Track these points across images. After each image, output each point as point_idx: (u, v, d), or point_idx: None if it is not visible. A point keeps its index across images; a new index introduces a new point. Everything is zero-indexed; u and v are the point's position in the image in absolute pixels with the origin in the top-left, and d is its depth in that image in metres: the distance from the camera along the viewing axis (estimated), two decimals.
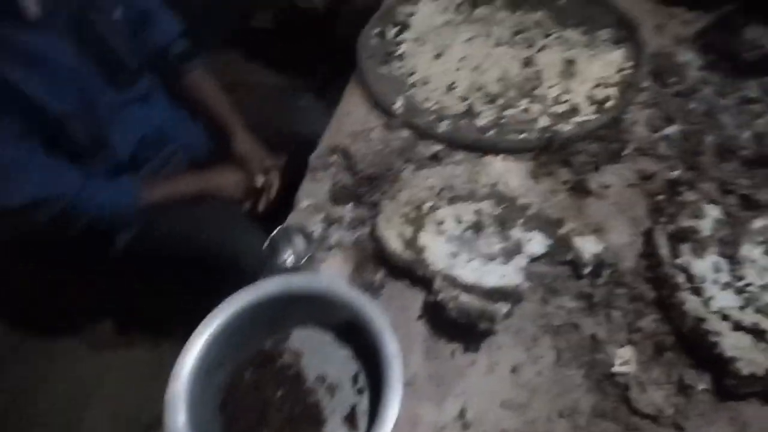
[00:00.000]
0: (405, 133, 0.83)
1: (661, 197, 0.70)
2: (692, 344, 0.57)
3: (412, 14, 1.04)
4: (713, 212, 0.65)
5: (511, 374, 0.57)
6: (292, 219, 0.73)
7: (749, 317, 0.57)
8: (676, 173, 0.72)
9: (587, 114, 0.82)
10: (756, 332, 0.56)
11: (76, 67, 0.80)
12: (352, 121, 0.86)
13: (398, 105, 0.86)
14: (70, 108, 0.79)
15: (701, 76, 0.85)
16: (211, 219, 0.87)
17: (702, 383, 0.54)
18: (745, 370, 0.52)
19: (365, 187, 0.74)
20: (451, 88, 0.88)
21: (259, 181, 0.90)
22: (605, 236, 0.67)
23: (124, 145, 0.89)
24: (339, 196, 0.75)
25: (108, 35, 0.85)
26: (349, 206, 0.74)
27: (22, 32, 0.73)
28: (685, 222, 0.64)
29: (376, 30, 1.02)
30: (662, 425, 0.52)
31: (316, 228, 0.71)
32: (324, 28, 1.36)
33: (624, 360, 0.57)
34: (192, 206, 0.88)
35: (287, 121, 1.00)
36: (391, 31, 1.01)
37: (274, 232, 0.63)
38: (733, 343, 0.55)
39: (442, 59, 0.94)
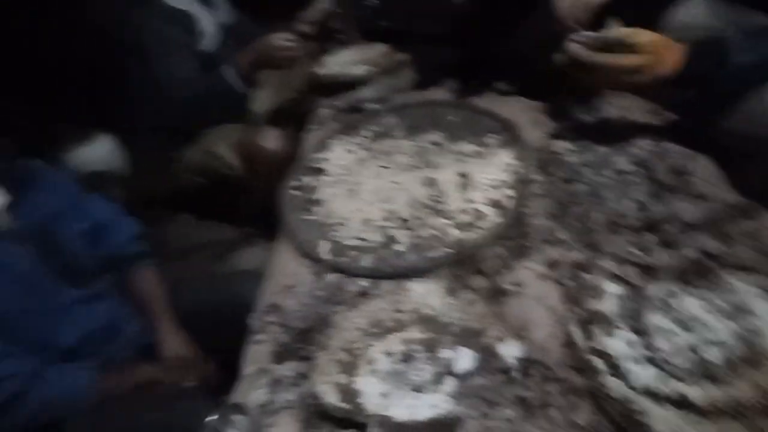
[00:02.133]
0: (333, 276, 0.88)
1: (569, 282, 0.75)
2: (628, 429, 0.59)
3: (324, 159, 1.16)
4: (614, 288, 0.71)
5: None
6: (237, 389, 0.75)
7: (671, 386, 0.59)
8: (576, 256, 0.79)
9: (491, 218, 0.90)
10: (680, 403, 0.58)
11: (31, 271, 0.89)
12: (284, 275, 0.91)
13: (322, 249, 0.93)
14: (18, 307, 0.87)
15: (578, 160, 0.95)
16: (155, 405, 0.90)
17: None
18: None
19: (302, 342, 0.78)
20: (368, 222, 0.96)
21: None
22: (528, 334, 0.71)
23: (70, 339, 0.94)
24: (280, 356, 0.78)
25: (67, 244, 0.96)
26: (292, 364, 0.76)
27: None
28: (592, 304, 0.69)
29: (295, 182, 1.12)
30: None
31: (260, 394, 0.73)
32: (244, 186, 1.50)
33: None
34: (139, 394, 0.90)
35: (227, 285, 1.07)
36: (308, 179, 1.12)
37: (209, 418, 0.65)
38: (662, 420, 0.57)
39: (356, 197, 1.03)
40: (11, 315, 0.86)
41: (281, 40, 1.27)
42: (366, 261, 0.89)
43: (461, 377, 0.66)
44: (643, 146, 0.94)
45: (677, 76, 0.80)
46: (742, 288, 0.67)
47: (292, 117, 1.47)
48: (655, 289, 0.69)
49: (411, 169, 1.05)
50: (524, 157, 0.99)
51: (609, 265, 0.75)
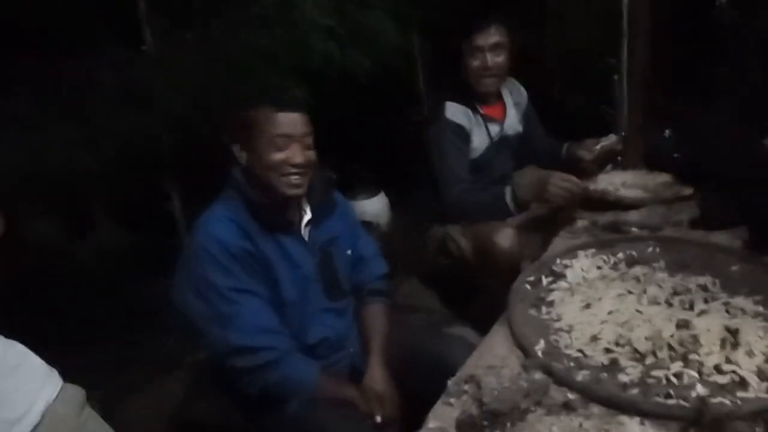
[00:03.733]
0: (539, 375, 0.85)
1: None
2: None
3: (567, 266, 1.15)
4: None
5: None
6: None
7: None
8: None
9: (756, 390, 0.73)
10: None
11: (311, 276, 1.15)
12: (492, 356, 0.93)
13: (539, 347, 0.91)
14: (294, 297, 1.11)
15: None
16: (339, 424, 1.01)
17: None
18: None
19: (489, 422, 0.77)
20: (595, 339, 0.90)
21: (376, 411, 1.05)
22: None
23: (314, 337, 1.14)
24: (463, 426, 0.79)
25: (338, 264, 1.20)
26: None
27: (290, 241, 1.12)
28: None
29: (531, 278, 1.14)
30: None
31: None
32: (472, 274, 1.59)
33: None
34: (337, 408, 1.03)
35: (439, 344, 1.14)
36: (545, 280, 1.12)
37: None
38: None
39: (591, 310, 0.98)
40: (288, 303, 1.11)
41: (561, 180, 1.36)
42: (581, 376, 0.83)
43: None
44: None
45: None
46: None
47: (549, 222, 1.51)
48: None
49: (662, 305, 0.95)
50: None
51: None
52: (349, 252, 1.23)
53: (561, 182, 1.33)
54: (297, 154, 1.07)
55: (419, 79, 2.91)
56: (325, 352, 1.13)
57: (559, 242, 1.29)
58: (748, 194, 1.21)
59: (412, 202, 2.14)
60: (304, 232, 1.17)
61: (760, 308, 0.89)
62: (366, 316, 1.22)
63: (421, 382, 0.93)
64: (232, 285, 1.03)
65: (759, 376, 0.75)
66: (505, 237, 1.46)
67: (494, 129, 1.69)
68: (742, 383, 0.74)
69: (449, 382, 0.89)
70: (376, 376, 1.12)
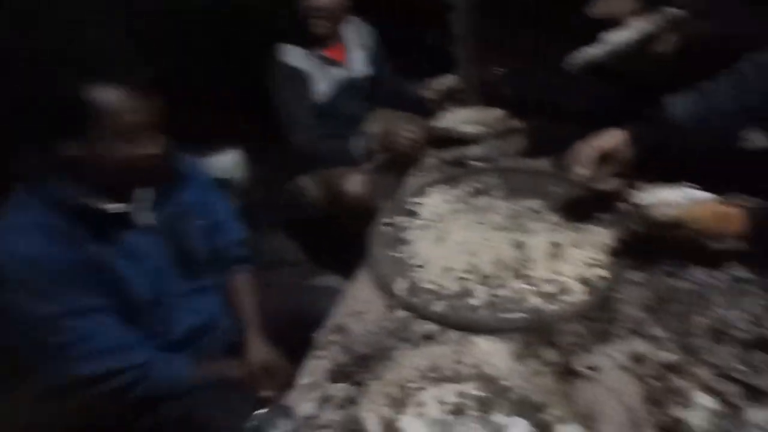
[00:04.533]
0: (403, 313, 0.89)
1: (653, 382, 0.68)
2: None
3: (420, 204, 1.19)
4: (708, 402, 0.62)
5: None
6: (289, 396, 0.77)
7: None
8: (669, 356, 0.71)
9: (577, 294, 0.85)
10: None
11: (161, 261, 0.97)
12: (357, 302, 0.94)
13: (399, 286, 0.94)
14: (148, 294, 0.94)
15: None
16: (218, 402, 0.93)
17: None
18: None
19: (359, 367, 0.78)
20: (448, 270, 0.96)
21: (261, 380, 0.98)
22: (595, 424, 0.64)
23: (180, 328, 1.01)
24: (335, 375, 0.79)
25: (190, 239, 1.04)
26: (343, 385, 0.77)
27: (130, 234, 0.93)
28: (676, 412, 0.62)
29: (388, 219, 1.16)
30: None
31: (308, 407, 0.74)
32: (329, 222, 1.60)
33: None
34: (222, 391, 0.94)
35: (304, 301, 1.11)
36: (401, 220, 1.15)
37: (258, 412, 0.67)
38: None
39: (443, 244, 1.04)
40: (142, 302, 0.94)
41: (406, 131, 1.43)
42: (438, 306, 0.88)
43: None
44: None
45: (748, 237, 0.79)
46: None
47: (400, 164, 1.54)
48: (757, 415, 0.60)
49: (503, 230, 1.04)
50: (627, 240, 0.94)
51: (705, 374, 0.67)
52: (201, 222, 1.08)
53: (405, 132, 1.37)
54: (147, 143, 0.88)
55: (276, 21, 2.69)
56: (195, 339, 1.01)
57: (411, 181, 1.33)
58: (566, 123, 1.37)
59: (270, 154, 2.02)
60: (147, 216, 0.97)
61: (578, 224, 1.02)
62: (233, 288, 1.12)
63: (298, 340, 0.90)
64: (60, 310, 0.84)
65: (580, 282, 0.87)
66: (354, 183, 1.47)
67: (337, 72, 1.63)
68: (567, 290, 0.86)
69: (317, 335, 0.88)
70: (255, 348, 1.05)
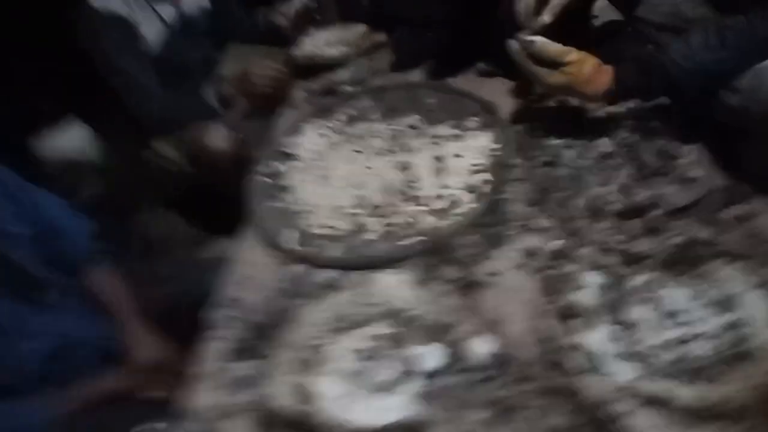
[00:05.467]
0: (298, 267, 0.82)
1: (548, 272, 0.70)
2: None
3: (296, 144, 1.09)
4: (596, 279, 0.66)
5: None
6: (192, 389, 0.69)
7: (656, 386, 0.55)
8: (557, 243, 0.73)
9: (467, 204, 0.84)
10: (667, 402, 0.53)
11: None
12: (247, 266, 0.85)
13: (288, 238, 0.87)
14: None
15: (559, 142, 0.90)
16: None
17: None
18: None
19: (261, 338, 0.72)
20: (337, 209, 0.90)
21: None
22: (503, 329, 0.65)
23: (34, 357, 0.84)
24: (239, 354, 0.72)
25: (12, 250, 0.84)
26: (251, 363, 0.71)
27: None
28: (571, 296, 0.64)
29: (264, 167, 1.05)
30: None
31: (217, 394, 0.67)
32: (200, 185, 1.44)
33: None
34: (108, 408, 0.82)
35: (187, 281, 0.99)
36: (277, 165, 1.05)
37: (157, 425, 0.59)
38: (647, 422, 0.52)
39: (328, 183, 0.97)
40: None
41: (265, 69, 1.26)
42: (334, 250, 0.83)
43: (430, 376, 0.61)
44: (627, 127, 0.88)
45: (614, 93, 0.82)
46: (732, 278, 0.62)
47: (266, 105, 1.39)
48: (639, 280, 0.64)
49: (385, 154, 0.99)
50: (503, 140, 0.94)
51: (590, 253, 0.70)
52: (25, 230, 0.88)
53: (263, 71, 1.21)
54: None
55: None
56: (60, 366, 0.85)
57: (282, 121, 1.22)
58: (430, 31, 1.31)
59: (115, 124, 1.74)
60: None
61: (457, 131, 1.00)
62: (94, 292, 0.95)
63: (189, 325, 0.80)
64: None
65: (468, 191, 0.86)
66: (216, 138, 1.31)
67: (167, 11, 1.38)
68: (457, 202, 0.84)
69: (208, 314, 0.79)
70: (141, 345, 0.92)
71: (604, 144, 0.86)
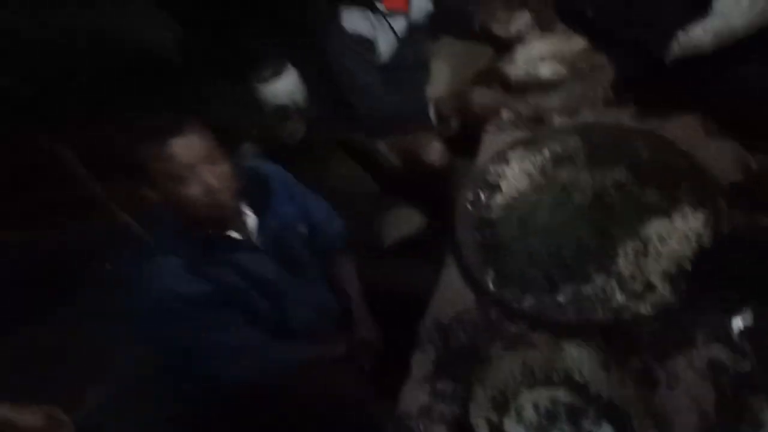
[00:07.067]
0: (494, 311, 0.99)
1: (729, 394, 0.76)
2: None
3: (501, 176, 1.20)
4: None
5: None
6: (405, 388, 0.93)
7: None
8: (745, 368, 0.78)
9: (660, 293, 0.90)
10: None
11: (270, 272, 1.11)
12: (451, 292, 1.04)
13: (485, 275, 1.03)
14: (265, 308, 1.11)
15: None
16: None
17: None
18: None
19: (457, 363, 0.92)
20: (533, 258, 1.03)
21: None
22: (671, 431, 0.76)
23: (296, 321, 1.18)
24: (439, 370, 0.94)
25: (294, 244, 1.17)
26: (448, 381, 0.92)
27: (241, 254, 1.08)
28: (745, 429, 0.71)
29: (470, 195, 1.19)
30: None
31: (423, 398, 0.90)
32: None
33: None
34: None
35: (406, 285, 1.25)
36: (483, 196, 1.18)
37: None
38: None
39: (526, 228, 1.09)
40: (262, 313, 1.10)
41: (482, 97, 1.35)
42: (527, 302, 0.97)
43: None
44: None
45: None
46: None
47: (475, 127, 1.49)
48: None
49: (586, 212, 1.07)
50: (716, 224, 0.94)
51: None
52: (303, 230, 1.21)
53: (482, 98, 1.31)
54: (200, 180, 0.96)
55: None
56: (310, 326, 1.19)
57: (488, 141, 1.32)
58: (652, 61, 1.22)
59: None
60: (252, 236, 1.11)
61: (665, 203, 1.02)
62: (335, 276, 1.28)
63: (395, 323, 1.06)
64: (205, 329, 1.03)
65: (663, 279, 0.92)
66: (434, 152, 1.47)
67: (399, 24, 1.51)
68: (652, 287, 0.91)
69: (420, 329, 1.01)
70: (364, 326, 1.23)
71: None
